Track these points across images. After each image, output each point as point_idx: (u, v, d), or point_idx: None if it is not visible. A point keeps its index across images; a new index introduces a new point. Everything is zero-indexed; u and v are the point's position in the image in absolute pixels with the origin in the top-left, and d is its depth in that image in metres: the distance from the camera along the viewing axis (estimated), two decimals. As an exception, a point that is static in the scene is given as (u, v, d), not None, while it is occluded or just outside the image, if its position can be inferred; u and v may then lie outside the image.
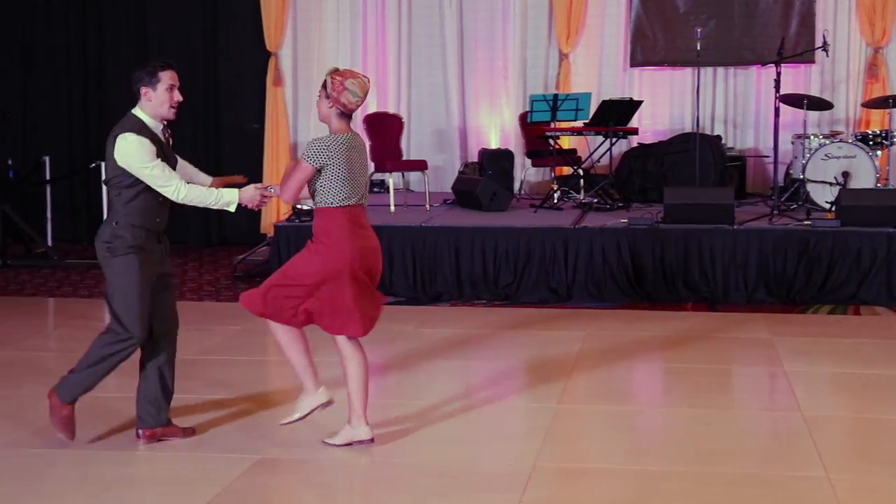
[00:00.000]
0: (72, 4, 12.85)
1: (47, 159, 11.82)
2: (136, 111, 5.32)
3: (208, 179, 5.79)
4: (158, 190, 5.26)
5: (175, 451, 5.43)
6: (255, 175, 12.17)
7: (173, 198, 5.28)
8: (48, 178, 11.75)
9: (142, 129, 5.24)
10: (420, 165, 11.05)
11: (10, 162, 11.62)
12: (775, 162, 10.33)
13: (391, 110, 12.08)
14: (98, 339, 5.38)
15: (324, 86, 5.27)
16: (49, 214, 11.83)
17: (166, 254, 5.50)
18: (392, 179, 10.90)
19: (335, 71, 5.29)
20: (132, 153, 5.18)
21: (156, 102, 5.30)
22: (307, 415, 5.46)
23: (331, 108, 5.25)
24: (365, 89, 5.26)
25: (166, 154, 5.34)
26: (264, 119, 12.18)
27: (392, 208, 10.49)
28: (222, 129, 12.63)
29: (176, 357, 5.60)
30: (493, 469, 5.21)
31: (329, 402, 5.47)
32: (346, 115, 5.30)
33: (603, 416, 6.13)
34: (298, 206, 10.21)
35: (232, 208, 5.39)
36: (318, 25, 12.40)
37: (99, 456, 5.34)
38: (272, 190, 5.48)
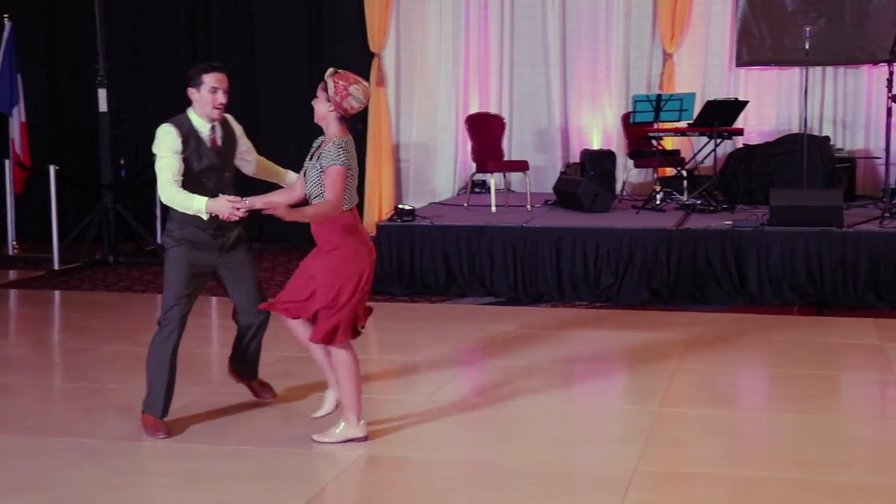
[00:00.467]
0: (181, 4, 13.13)
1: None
2: (189, 109, 5.66)
3: (294, 176, 6.01)
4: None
5: (281, 446, 5.52)
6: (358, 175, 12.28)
7: (160, 195, 5.55)
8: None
9: (182, 123, 5.57)
10: (521, 166, 11.05)
11: (122, 161, 11.90)
12: (887, 163, 10.11)
13: (493, 111, 12.10)
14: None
15: (324, 87, 5.27)
16: (158, 213, 12.08)
17: (236, 247, 5.77)
18: (493, 180, 10.93)
19: (336, 73, 5.31)
20: (158, 140, 5.53)
21: (199, 103, 5.58)
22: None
23: (331, 111, 5.28)
24: (367, 95, 5.35)
25: (201, 153, 5.57)
26: (367, 119, 12.28)
27: (493, 209, 10.52)
28: (326, 129, 12.78)
29: (262, 336, 6.01)
30: (593, 471, 5.20)
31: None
32: (346, 119, 5.34)
33: (705, 421, 6.07)
34: (401, 206, 10.29)
35: (203, 216, 5.48)
36: (420, 26, 12.48)
37: (205, 450, 5.45)
38: (246, 202, 5.42)
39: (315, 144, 5.47)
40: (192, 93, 5.59)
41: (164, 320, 5.62)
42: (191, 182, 5.53)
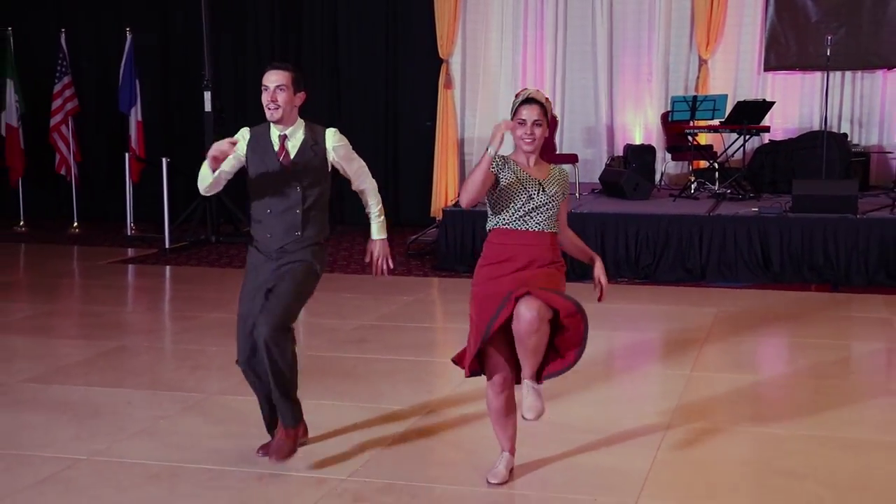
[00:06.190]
0: (276, 18, 13.21)
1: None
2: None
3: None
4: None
5: (355, 402, 5.57)
6: (426, 166, 12.37)
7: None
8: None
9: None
10: (571, 159, 11.01)
11: (223, 154, 12.01)
12: (898, 157, 9.95)
13: (547, 110, 12.03)
14: None
15: (544, 112, 4.27)
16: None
17: (289, 260, 4.52)
18: (546, 171, 10.88)
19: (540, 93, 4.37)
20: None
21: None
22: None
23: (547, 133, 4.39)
24: None
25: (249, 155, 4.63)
26: (436, 117, 12.32)
27: (546, 196, 10.47)
28: (400, 126, 12.84)
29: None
30: (632, 427, 5.19)
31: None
32: None
33: (731, 384, 6.03)
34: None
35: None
36: (484, 35, 12.45)
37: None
38: None
39: (512, 165, 4.37)
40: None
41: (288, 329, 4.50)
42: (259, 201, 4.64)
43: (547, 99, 4.32)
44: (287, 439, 4.54)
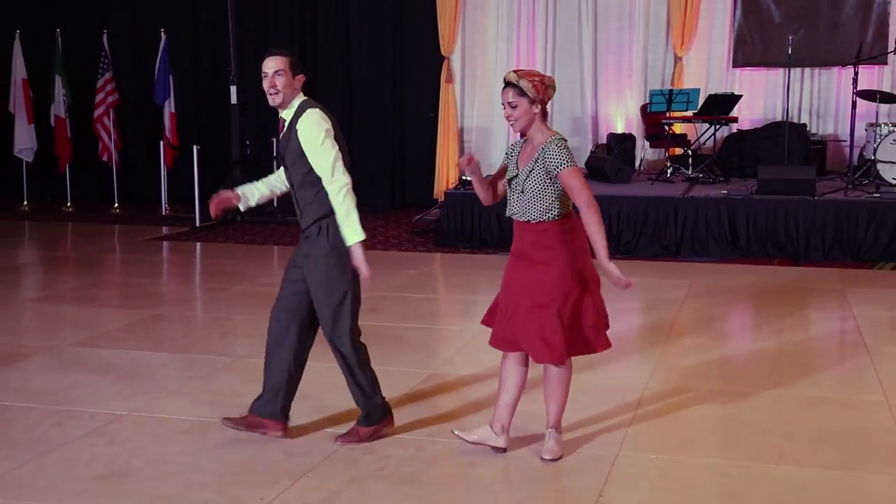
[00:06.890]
0: (294, 17, 13.13)
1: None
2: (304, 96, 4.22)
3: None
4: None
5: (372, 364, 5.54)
6: (430, 153, 12.33)
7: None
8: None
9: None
10: (560, 146, 10.95)
11: (247, 142, 12.01)
12: (851, 145, 9.94)
13: (538, 102, 11.96)
14: None
15: (520, 93, 3.91)
16: (275, 182, 12.17)
17: (308, 252, 4.17)
18: (537, 157, 10.84)
19: (518, 74, 3.96)
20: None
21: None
22: (473, 442, 4.25)
23: (537, 111, 3.98)
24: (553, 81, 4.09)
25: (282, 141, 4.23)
26: (438, 109, 12.27)
27: (537, 180, 10.44)
28: (405, 117, 12.79)
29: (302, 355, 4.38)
30: (614, 387, 5.21)
31: (501, 449, 4.22)
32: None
33: (703, 348, 6.05)
34: (464, 178, 10.26)
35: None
36: (482, 35, 12.39)
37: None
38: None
39: (514, 150, 4.13)
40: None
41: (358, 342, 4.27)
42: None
43: (528, 75, 3.91)
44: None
